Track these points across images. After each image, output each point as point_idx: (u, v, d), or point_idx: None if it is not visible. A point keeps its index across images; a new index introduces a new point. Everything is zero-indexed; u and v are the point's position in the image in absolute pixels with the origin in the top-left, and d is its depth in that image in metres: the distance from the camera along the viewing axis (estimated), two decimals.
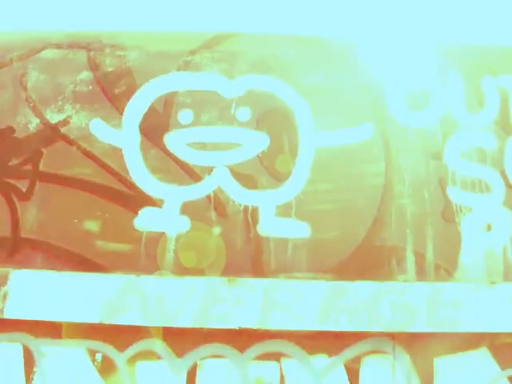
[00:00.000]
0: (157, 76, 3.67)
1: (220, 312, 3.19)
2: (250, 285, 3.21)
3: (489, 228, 3.47)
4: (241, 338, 3.31)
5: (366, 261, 3.36)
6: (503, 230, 3.44)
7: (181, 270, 3.38)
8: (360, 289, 3.17)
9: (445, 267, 3.36)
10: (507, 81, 3.57)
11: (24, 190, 3.59)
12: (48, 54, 3.72)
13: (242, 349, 3.32)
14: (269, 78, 3.61)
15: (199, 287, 3.23)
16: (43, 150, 3.63)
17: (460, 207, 3.47)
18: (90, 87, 3.67)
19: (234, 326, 3.17)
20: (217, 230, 3.36)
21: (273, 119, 3.59)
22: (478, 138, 3.55)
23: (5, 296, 3.41)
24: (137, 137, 3.60)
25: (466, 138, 3.55)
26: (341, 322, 3.12)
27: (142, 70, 3.68)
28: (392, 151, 3.54)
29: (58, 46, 3.74)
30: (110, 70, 3.69)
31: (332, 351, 3.32)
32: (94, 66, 3.69)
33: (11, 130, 3.69)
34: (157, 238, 3.47)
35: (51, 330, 3.43)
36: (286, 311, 3.18)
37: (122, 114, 3.66)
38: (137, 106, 3.60)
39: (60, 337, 3.43)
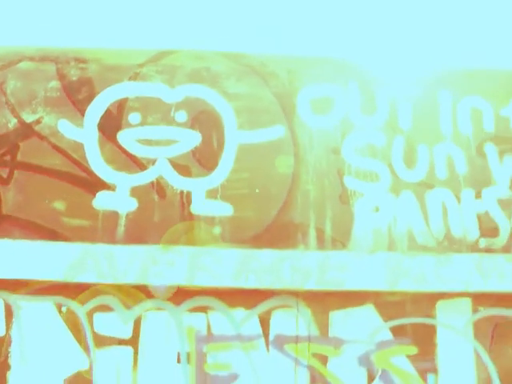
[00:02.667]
0: (112, 85, 4.32)
1: (157, 271, 3.92)
2: (180, 251, 3.95)
3: (377, 209, 4.19)
4: (176, 295, 4.03)
5: (276, 234, 4.10)
6: (388, 211, 4.17)
7: (129, 239, 4.07)
8: (266, 255, 3.92)
9: (340, 240, 4.11)
10: (396, 91, 4.26)
11: (5, 176, 4.23)
12: (23, 65, 4.35)
13: (177, 303, 4.04)
14: (202, 87, 4.29)
15: (141, 253, 3.97)
16: (20, 144, 4.27)
17: (354, 192, 4.19)
18: (58, 93, 4.31)
19: (168, 283, 3.92)
20: (158, 209, 4.10)
21: (204, 120, 4.27)
22: (370, 136, 4.25)
23: None
24: (95, 134, 4.26)
25: (360, 136, 4.26)
26: (250, 280, 3.88)
27: (100, 79, 4.33)
28: (299, 147, 4.23)
29: (32, 59, 4.36)
30: (74, 79, 4.34)
31: (248, 305, 4.06)
32: (61, 76, 4.33)
33: None
34: (110, 215, 4.16)
35: (26, 287, 4.08)
36: (207, 271, 3.93)
37: (83, 116, 4.31)
38: (96, 109, 4.27)
39: (33, 293, 4.08)
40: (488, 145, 4.26)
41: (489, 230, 4.18)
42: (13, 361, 4.11)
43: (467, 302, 4.11)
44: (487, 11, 4.32)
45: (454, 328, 4.05)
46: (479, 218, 4.19)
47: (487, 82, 4.33)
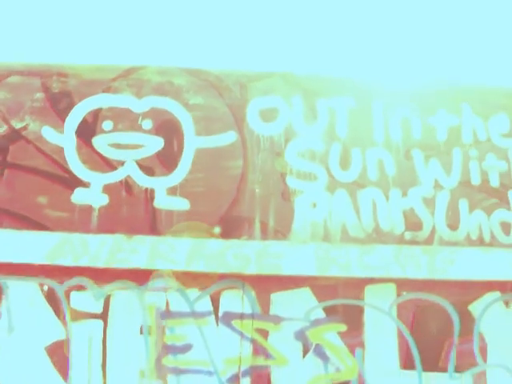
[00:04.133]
0: (88, 97, 4.74)
1: (121, 257, 4.41)
2: (143, 240, 4.45)
3: (314, 205, 4.65)
4: (141, 276, 4.49)
5: (227, 226, 4.58)
6: (324, 207, 4.64)
7: (100, 229, 4.53)
8: (214, 243, 4.43)
9: (282, 232, 4.58)
10: (335, 102, 4.73)
11: None
12: (12, 79, 4.76)
13: (140, 284, 4.51)
14: (165, 99, 4.72)
15: (110, 241, 4.45)
16: (10, 147, 4.68)
17: (294, 190, 4.66)
18: (42, 104, 4.73)
19: (134, 266, 4.41)
20: (126, 204, 4.59)
21: (167, 128, 4.70)
22: (310, 142, 4.70)
23: None
24: (73, 139, 4.70)
25: (301, 142, 4.71)
26: (200, 265, 4.39)
27: (78, 92, 4.76)
28: (248, 151, 4.68)
29: (20, 74, 4.77)
30: (56, 91, 4.76)
31: (201, 287, 4.52)
32: (45, 89, 4.75)
33: None
34: (85, 209, 4.60)
35: (13, 269, 4.48)
36: (166, 258, 4.42)
37: (64, 123, 4.72)
38: (74, 118, 4.71)
39: (19, 274, 4.50)
40: (415, 150, 4.72)
41: (413, 224, 4.64)
42: (1, 332, 4.51)
43: (392, 287, 4.56)
44: (415, 29, 4.82)
45: (380, 309, 4.53)
46: (405, 214, 4.65)
47: (416, 94, 4.76)
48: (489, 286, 4.58)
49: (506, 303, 4.62)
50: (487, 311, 4.59)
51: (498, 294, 4.61)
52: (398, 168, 4.70)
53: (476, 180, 4.75)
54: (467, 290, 4.58)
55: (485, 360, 4.57)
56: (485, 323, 4.58)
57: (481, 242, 4.65)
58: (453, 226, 4.66)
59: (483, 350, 4.58)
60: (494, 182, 4.75)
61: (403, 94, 4.76)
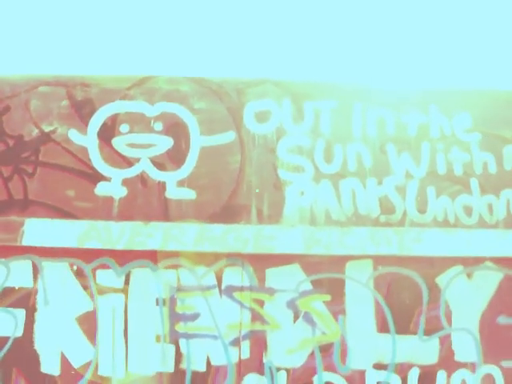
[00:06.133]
0: (107, 103, 5.02)
1: (140, 241, 4.88)
2: (157, 226, 4.92)
3: (302, 194, 5.07)
4: (155, 256, 4.97)
5: (227, 213, 5.01)
6: (311, 194, 5.08)
7: (121, 217, 4.95)
8: (217, 228, 4.92)
9: (274, 217, 5.03)
10: (320, 104, 5.15)
11: (30, 171, 4.97)
12: (42, 89, 5.02)
13: (155, 263, 4.96)
14: (174, 104, 5.05)
15: (129, 227, 4.91)
16: (41, 148, 5.00)
17: (285, 181, 5.07)
18: (68, 110, 5.03)
19: (150, 248, 4.89)
20: (141, 195, 5.02)
21: (175, 129, 5.06)
22: (298, 139, 5.12)
23: (22, 233, 4.86)
24: (96, 140, 5.01)
25: (291, 139, 5.11)
26: (205, 246, 4.89)
27: (99, 99, 5.03)
28: (245, 148, 5.05)
29: (48, 84, 5.02)
30: (79, 99, 5.04)
31: (207, 264, 4.98)
32: (70, 97, 5.04)
33: (21, 136, 5.02)
34: (107, 200, 4.98)
35: (47, 252, 4.87)
36: (177, 240, 4.89)
37: (87, 127, 5.01)
38: (96, 122, 5.01)
39: (52, 256, 4.90)
40: (389, 144, 5.15)
41: (387, 209, 5.10)
42: (38, 305, 4.91)
43: (369, 263, 5.05)
44: (389, 40, 5.37)
45: (359, 281, 5.02)
46: (380, 200, 5.10)
47: (390, 97, 5.18)
48: (453, 261, 5.07)
49: (468, 275, 5.11)
50: (452, 282, 5.08)
51: (461, 267, 5.09)
52: (374, 160, 5.12)
53: (442, 170, 5.18)
54: (434, 265, 5.06)
55: (450, 324, 5.04)
56: (450, 293, 5.06)
57: (446, 223, 5.10)
58: (422, 209, 5.11)
59: (448, 316, 5.05)
60: (458, 172, 5.18)
61: (379, 97, 5.18)
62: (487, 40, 5.47)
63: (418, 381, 5.04)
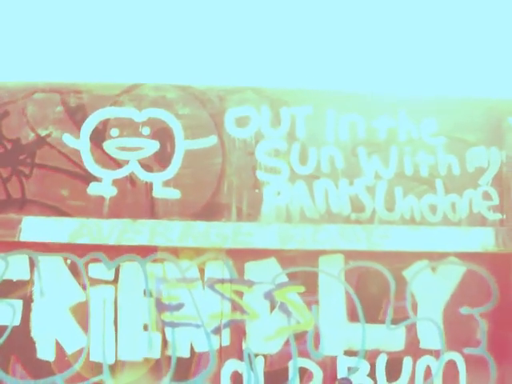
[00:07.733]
0: (98, 109, 5.33)
1: (129, 237, 5.17)
2: (144, 223, 5.22)
3: (279, 193, 5.41)
4: (142, 251, 5.25)
5: (209, 211, 5.34)
6: (287, 194, 5.41)
7: (111, 215, 5.25)
8: (199, 225, 5.23)
9: (253, 215, 5.37)
10: (295, 110, 5.46)
11: (27, 173, 5.26)
12: (37, 95, 5.31)
13: (143, 257, 5.25)
14: (160, 110, 5.37)
15: (119, 224, 5.20)
16: (37, 150, 5.31)
17: (263, 182, 5.41)
18: (62, 115, 5.32)
19: (138, 243, 5.17)
20: (130, 194, 5.36)
21: (162, 134, 5.37)
22: (275, 143, 5.42)
23: (20, 230, 5.14)
24: (88, 143, 5.34)
25: (269, 143, 5.44)
26: (189, 242, 5.20)
27: (91, 105, 5.34)
28: (226, 151, 5.39)
29: (43, 91, 5.31)
30: (73, 105, 5.34)
31: (192, 258, 5.31)
32: (64, 103, 5.33)
33: (19, 139, 5.31)
34: (99, 198, 5.31)
35: (43, 247, 5.18)
36: (163, 236, 5.18)
37: (80, 131, 5.32)
38: (88, 126, 5.34)
39: (48, 251, 5.22)
40: (360, 147, 5.47)
41: (358, 207, 5.44)
42: (35, 296, 5.22)
43: (340, 257, 5.40)
44: (362, 49, 5.72)
45: (331, 274, 5.37)
46: (351, 199, 5.44)
47: (361, 103, 5.50)
48: (419, 256, 5.42)
49: (433, 269, 5.47)
50: (417, 276, 5.43)
51: (426, 262, 5.44)
52: (345, 162, 5.45)
53: (409, 171, 5.50)
54: (401, 259, 5.40)
55: (415, 314, 5.40)
56: (415, 285, 5.42)
57: (412, 221, 5.44)
58: (390, 208, 5.46)
59: (414, 307, 5.40)
60: (424, 173, 5.51)
61: (351, 103, 5.50)
62: (453, 49, 5.83)
63: (386, 366, 5.40)
